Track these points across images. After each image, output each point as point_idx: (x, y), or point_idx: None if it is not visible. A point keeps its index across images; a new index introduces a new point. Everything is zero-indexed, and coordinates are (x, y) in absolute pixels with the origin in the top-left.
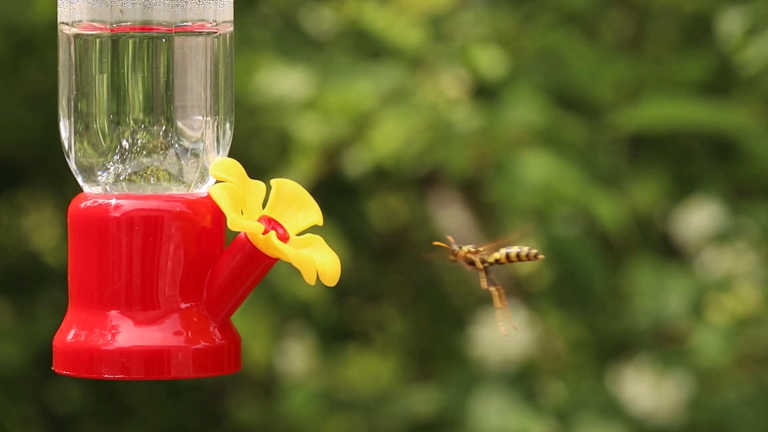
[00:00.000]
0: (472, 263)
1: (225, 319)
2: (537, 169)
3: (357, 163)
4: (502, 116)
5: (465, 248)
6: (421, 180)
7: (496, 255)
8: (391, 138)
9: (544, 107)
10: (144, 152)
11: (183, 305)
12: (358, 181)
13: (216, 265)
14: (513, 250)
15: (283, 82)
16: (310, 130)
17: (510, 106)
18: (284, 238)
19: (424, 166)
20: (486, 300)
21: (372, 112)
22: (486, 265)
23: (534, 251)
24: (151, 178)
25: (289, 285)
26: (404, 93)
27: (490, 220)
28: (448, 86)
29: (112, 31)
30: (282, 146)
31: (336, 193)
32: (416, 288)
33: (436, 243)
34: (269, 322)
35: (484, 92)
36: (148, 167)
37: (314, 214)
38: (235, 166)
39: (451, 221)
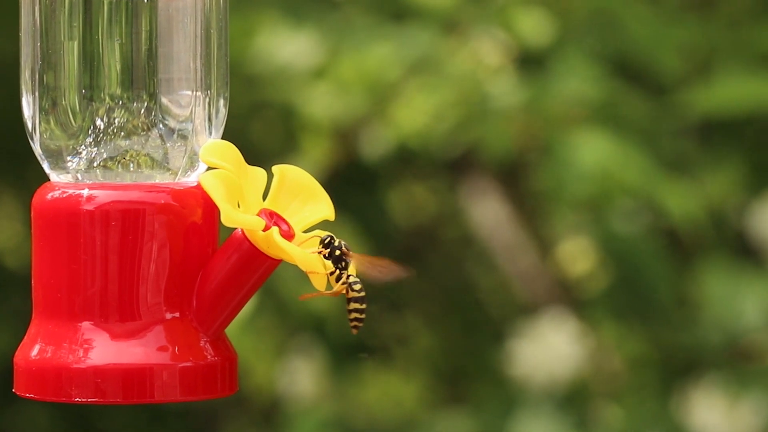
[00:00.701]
0: (332, 256)
1: (218, 332)
2: (592, 152)
3: (376, 143)
4: (550, 88)
5: (336, 240)
6: (453, 165)
7: (358, 270)
8: (417, 113)
9: (599, 78)
10: (122, 134)
11: (168, 315)
12: (377, 167)
13: (208, 267)
14: (357, 288)
15: (289, 47)
16: (321, 105)
17: (559, 77)
18: (289, 235)
19: (456, 148)
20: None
21: (395, 83)
22: (342, 272)
23: (358, 316)
24: (131, 165)
25: (298, 293)
26: (433, 61)
27: (535, 213)
28: (485, 53)
29: None
30: (287, 125)
31: (351, 182)
32: (446, 295)
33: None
34: (274, 339)
35: (529, 60)
36: (127, 151)
37: (324, 207)
38: (230, 149)
39: (488, 215)
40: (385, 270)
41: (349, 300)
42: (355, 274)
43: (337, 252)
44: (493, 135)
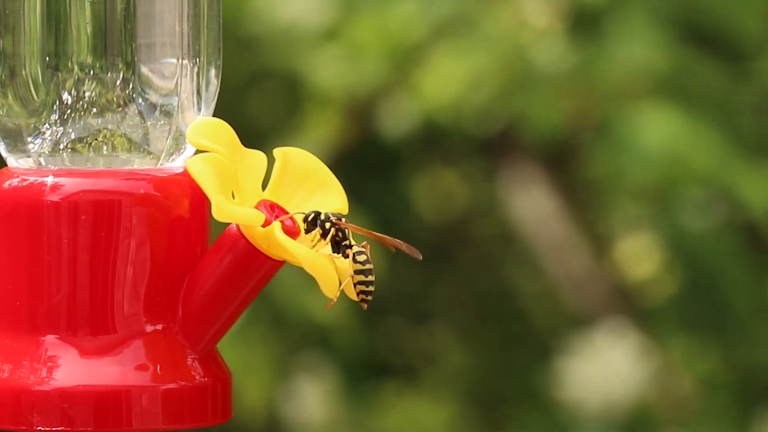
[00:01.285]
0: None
1: (208, 348)
2: (658, 132)
3: (398, 118)
4: (608, 55)
5: (323, 214)
6: (490, 146)
7: (362, 245)
8: (447, 82)
9: (666, 43)
10: (94, 110)
11: (149, 328)
12: (398, 147)
13: (196, 270)
14: (362, 260)
15: (294, 4)
16: (332, 73)
17: (618, 41)
18: (293, 231)
19: (494, 125)
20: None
21: (421, 47)
22: (343, 244)
23: (365, 289)
24: (104, 147)
25: (299, 300)
26: (467, 20)
27: (588, 206)
28: (529, 11)
29: None
30: (291, 98)
31: (366, 166)
32: (482, 303)
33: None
34: (271, 353)
35: (582, 21)
36: (100, 131)
37: (335, 198)
38: (223, 129)
39: (532, 208)
40: (394, 245)
41: (353, 273)
42: (358, 244)
43: (328, 225)
44: (538, 110)
